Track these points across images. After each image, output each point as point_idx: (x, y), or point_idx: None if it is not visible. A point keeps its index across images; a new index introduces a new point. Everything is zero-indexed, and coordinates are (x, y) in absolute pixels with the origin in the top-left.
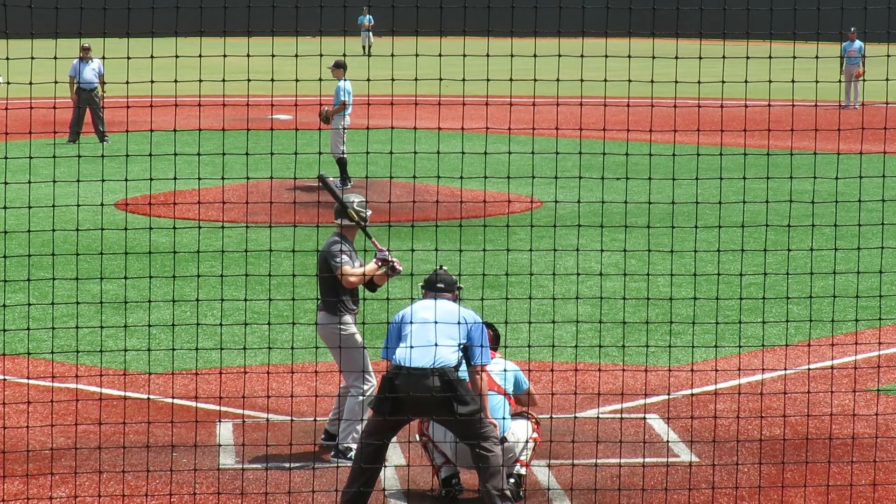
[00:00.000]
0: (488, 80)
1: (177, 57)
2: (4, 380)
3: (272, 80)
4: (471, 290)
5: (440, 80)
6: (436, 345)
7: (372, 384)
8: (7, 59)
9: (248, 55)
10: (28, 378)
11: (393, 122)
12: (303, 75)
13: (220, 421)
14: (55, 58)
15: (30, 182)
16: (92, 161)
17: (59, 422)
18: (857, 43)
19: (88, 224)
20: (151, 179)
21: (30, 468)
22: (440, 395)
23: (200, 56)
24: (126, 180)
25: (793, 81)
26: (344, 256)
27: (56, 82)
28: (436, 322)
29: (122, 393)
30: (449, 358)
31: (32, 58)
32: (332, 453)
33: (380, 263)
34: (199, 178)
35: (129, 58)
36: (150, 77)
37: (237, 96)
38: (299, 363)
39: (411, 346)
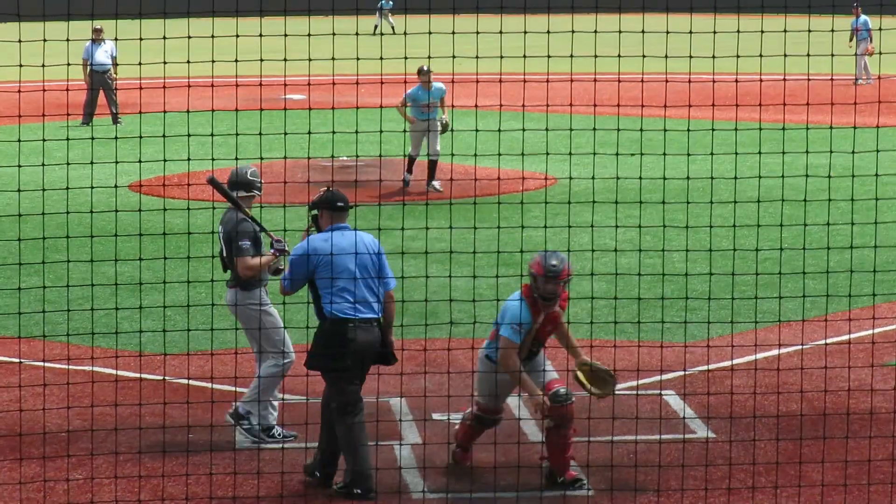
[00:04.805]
0: (501, 57)
1: (189, 38)
2: (20, 363)
3: (285, 59)
4: (485, 268)
5: (453, 57)
6: (374, 285)
7: (291, 360)
8: (20, 41)
9: (261, 35)
10: (44, 361)
11: None
12: (315, 55)
13: (235, 401)
14: (67, 40)
15: (43, 165)
16: (105, 143)
17: (75, 404)
18: (862, 18)
19: (102, 206)
20: (165, 161)
21: (46, 451)
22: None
23: (213, 36)
24: (140, 162)
25: (808, 55)
26: (248, 242)
27: (69, 65)
28: (365, 253)
29: (137, 375)
30: (379, 304)
31: (45, 40)
32: (241, 426)
33: (276, 254)
34: (213, 159)
35: (141, 39)
36: (163, 58)
37: (250, 76)
38: None
39: (354, 298)
